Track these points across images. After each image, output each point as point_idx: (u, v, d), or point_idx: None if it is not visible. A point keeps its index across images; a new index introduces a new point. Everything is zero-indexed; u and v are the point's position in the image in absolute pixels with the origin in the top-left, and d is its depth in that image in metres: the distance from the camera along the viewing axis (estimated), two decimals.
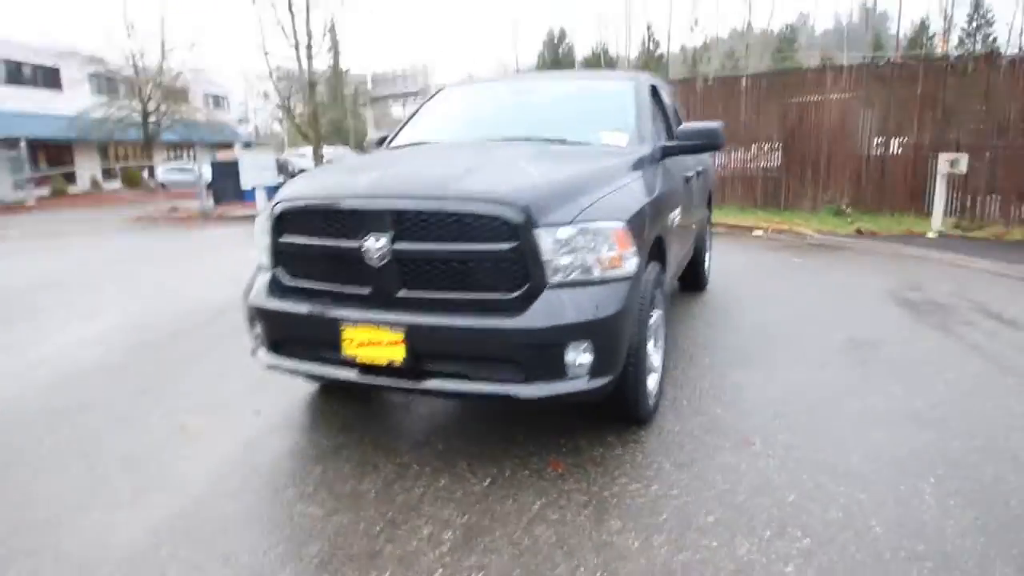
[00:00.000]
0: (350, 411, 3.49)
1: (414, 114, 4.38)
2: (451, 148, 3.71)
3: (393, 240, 2.63)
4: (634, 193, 3.02)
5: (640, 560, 2.18)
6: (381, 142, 4.37)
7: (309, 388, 3.75)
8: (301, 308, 2.86)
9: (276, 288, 2.99)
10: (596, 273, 2.64)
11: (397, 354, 2.64)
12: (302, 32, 16.96)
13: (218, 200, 15.71)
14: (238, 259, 9.28)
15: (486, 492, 2.64)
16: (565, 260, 2.59)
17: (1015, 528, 2.33)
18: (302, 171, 20.36)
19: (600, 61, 50.74)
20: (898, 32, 35.25)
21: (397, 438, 3.17)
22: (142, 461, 2.97)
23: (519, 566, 2.17)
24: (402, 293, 2.68)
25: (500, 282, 2.60)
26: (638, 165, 3.34)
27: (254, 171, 14.40)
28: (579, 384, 2.62)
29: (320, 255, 2.86)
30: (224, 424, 3.36)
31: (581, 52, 53.88)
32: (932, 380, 3.80)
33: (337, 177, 3.17)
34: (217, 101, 42.25)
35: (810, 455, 2.89)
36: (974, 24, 41.54)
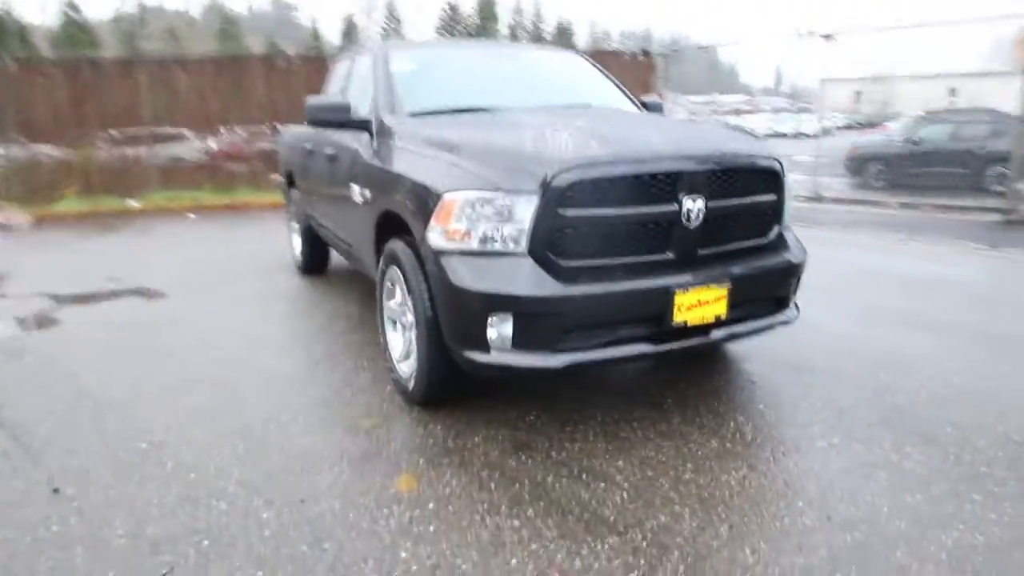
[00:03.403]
0: (490, 400, 3.04)
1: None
2: (562, 114, 3.43)
3: (707, 200, 2.66)
4: None
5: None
6: (348, 108, 3.53)
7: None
8: (615, 288, 2.54)
9: (556, 273, 2.50)
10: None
11: (722, 308, 2.72)
12: None
13: None
14: None
15: (775, 413, 3.01)
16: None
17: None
18: None
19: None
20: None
21: (604, 407, 3.04)
22: None
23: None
24: (702, 251, 2.73)
25: (763, 227, 2.98)
26: None
27: None
28: (795, 309, 3.21)
29: (621, 224, 2.58)
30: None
31: None
32: None
33: (609, 141, 2.74)
34: None
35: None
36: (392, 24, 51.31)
